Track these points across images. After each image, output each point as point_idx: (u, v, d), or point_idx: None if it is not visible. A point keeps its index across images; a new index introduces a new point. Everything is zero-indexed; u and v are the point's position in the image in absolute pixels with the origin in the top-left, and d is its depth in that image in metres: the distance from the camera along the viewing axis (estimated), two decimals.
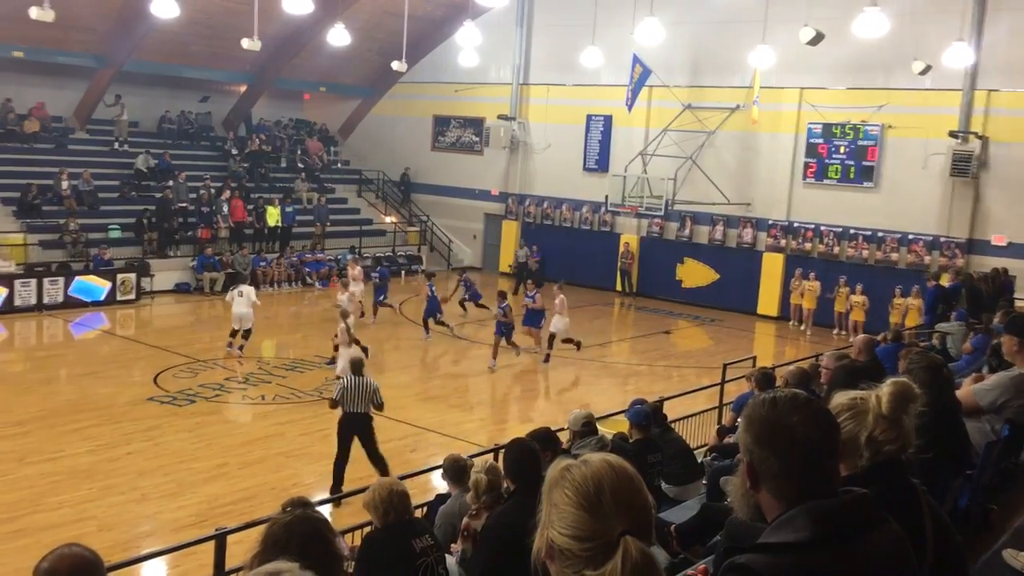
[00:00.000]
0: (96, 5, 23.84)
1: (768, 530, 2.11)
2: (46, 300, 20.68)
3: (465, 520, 6.08)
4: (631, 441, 8.23)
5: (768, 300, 24.66)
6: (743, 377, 10.97)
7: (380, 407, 11.02)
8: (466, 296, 22.25)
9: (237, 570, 6.20)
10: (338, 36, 24.36)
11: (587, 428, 8.09)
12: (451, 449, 10.43)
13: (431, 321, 19.87)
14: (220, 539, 6.83)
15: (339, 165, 33.03)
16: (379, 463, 10.86)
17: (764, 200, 24.95)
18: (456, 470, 6.94)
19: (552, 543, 1.84)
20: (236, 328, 17.33)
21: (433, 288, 19.91)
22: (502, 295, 17.97)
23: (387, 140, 32.60)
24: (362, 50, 28.10)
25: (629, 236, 27.34)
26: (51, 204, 23.60)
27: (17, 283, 20.39)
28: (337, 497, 9.98)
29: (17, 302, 20.21)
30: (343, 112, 33.75)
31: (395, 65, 26.37)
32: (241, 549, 7.37)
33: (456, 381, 17.31)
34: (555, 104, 28.73)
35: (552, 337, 18.19)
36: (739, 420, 6.91)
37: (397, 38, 25.91)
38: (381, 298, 21.31)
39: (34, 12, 19.84)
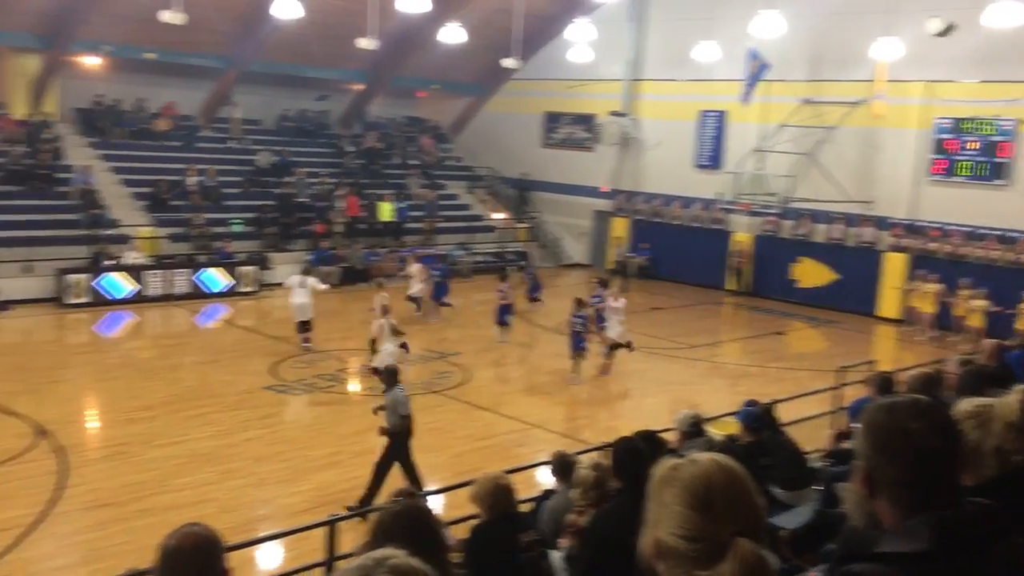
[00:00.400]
0: (223, 8, 24.82)
1: (885, 539, 2.03)
2: (174, 291, 21.71)
3: (571, 516, 6.07)
4: (741, 443, 8.07)
5: (889, 302, 23.74)
6: (860, 381, 10.61)
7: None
8: (527, 292, 22.50)
9: (348, 556, 6.36)
10: (452, 34, 24.67)
11: (695, 429, 7.97)
12: (557, 446, 10.43)
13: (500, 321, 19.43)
14: (332, 526, 7.01)
15: (450, 162, 33.46)
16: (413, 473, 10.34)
17: (886, 198, 24.03)
18: (562, 466, 6.94)
19: (661, 543, 1.82)
20: (302, 319, 17.24)
21: (504, 290, 19.28)
22: (578, 303, 16.65)
23: (498, 137, 32.83)
24: (475, 47, 28.35)
25: (742, 234, 26.78)
26: (179, 199, 24.70)
27: (147, 274, 21.47)
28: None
29: (147, 292, 21.28)
30: (455, 109, 34.17)
31: (507, 62, 26.57)
32: (352, 536, 7.57)
33: (561, 377, 17.28)
34: (667, 100, 28.37)
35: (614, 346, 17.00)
36: (855, 425, 6.68)
37: (509, 35, 26.09)
38: (443, 297, 21.35)
39: (166, 15, 20.86)
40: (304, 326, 17.25)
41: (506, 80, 31.70)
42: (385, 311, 15.11)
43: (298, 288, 17.13)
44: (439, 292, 21.45)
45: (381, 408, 10.37)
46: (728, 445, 7.89)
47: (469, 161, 33.41)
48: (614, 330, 17.16)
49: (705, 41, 24.60)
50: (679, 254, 27.62)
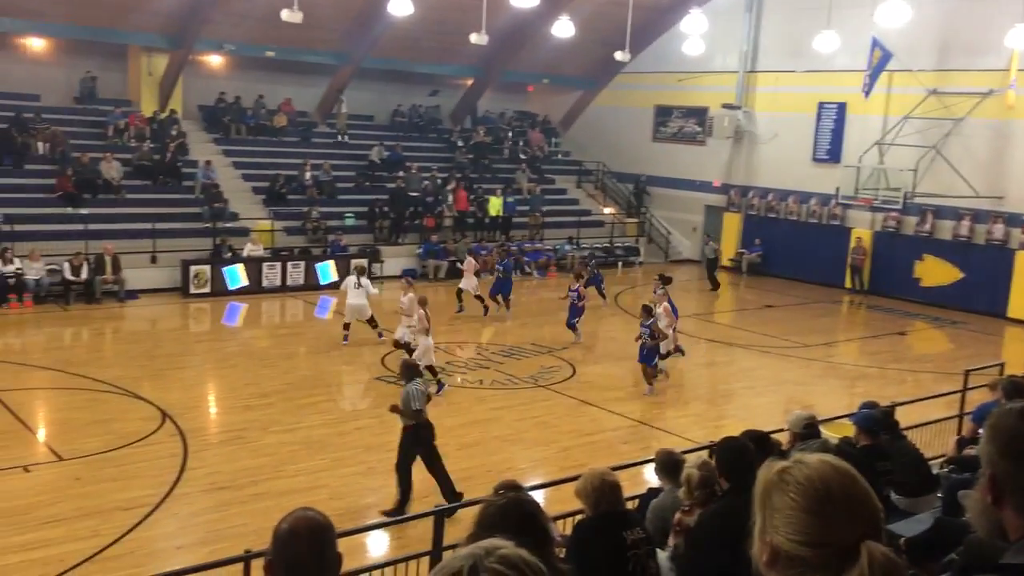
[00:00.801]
0: (339, 6, 25.41)
1: (1011, 551, 1.89)
2: (289, 282, 22.38)
3: (677, 515, 5.96)
4: (857, 446, 7.76)
5: (1021, 302, 22.51)
6: (987, 385, 10.07)
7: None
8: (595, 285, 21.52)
9: (453, 547, 6.40)
10: (563, 28, 24.59)
11: (809, 430, 7.71)
12: (664, 443, 10.29)
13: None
14: (438, 516, 7.07)
15: (559, 156, 33.41)
16: (444, 477, 9.95)
17: (1019, 193, 22.77)
18: (669, 465, 6.80)
19: (777, 549, 1.74)
20: (348, 321, 17.13)
21: (577, 291, 18.21)
22: (646, 311, 14.87)
23: (607, 131, 32.59)
24: (585, 41, 28.21)
25: (861, 230, 25.83)
26: (295, 193, 25.43)
27: (264, 266, 22.20)
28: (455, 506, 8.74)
29: (264, 283, 22.01)
30: (565, 103, 34.09)
31: (618, 55, 26.34)
32: (457, 527, 7.62)
33: (672, 375, 17.02)
34: (784, 91, 27.59)
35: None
36: (981, 431, 6.34)
37: (621, 28, 25.84)
38: (504, 293, 20.39)
39: (285, 14, 21.51)
40: (371, 322, 17.19)
41: (616, 73, 31.42)
42: (423, 302, 14.67)
43: (353, 289, 17.06)
44: (502, 288, 20.45)
45: (396, 408, 9.97)
46: (843, 448, 7.60)
47: (578, 155, 33.29)
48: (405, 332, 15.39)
49: (825, 31, 23.80)
50: (793, 251, 26.86)
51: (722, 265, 27.42)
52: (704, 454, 7.93)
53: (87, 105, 25.40)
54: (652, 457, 7.20)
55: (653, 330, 14.39)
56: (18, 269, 19.35)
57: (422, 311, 14.43)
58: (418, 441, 9.84)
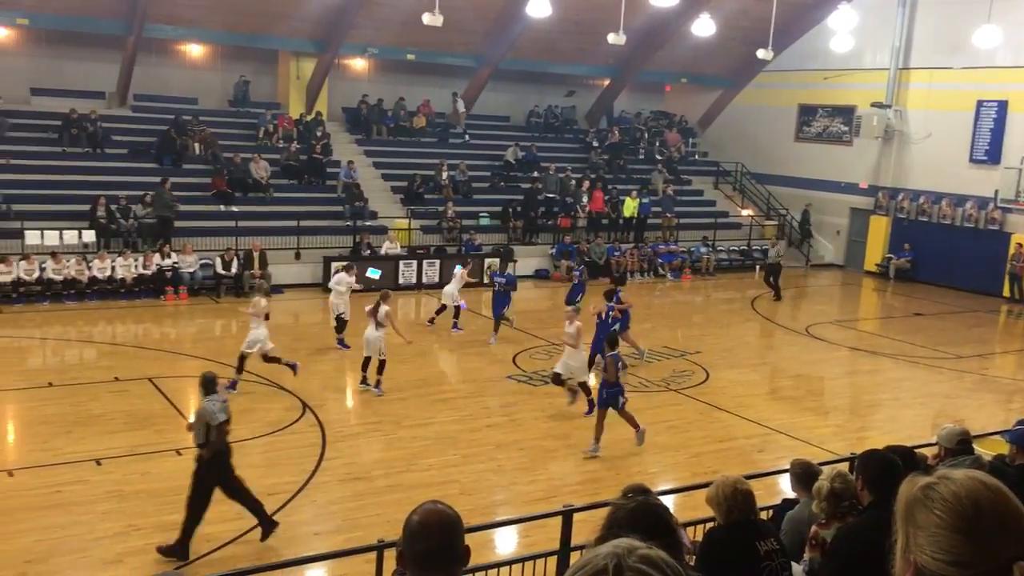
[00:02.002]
0: (478, 9, 25.78)
1: None
2: (424, 280, 22.85)
3: (814, 529, 5.73)
4: (1013, 465, 7.27)
5: None
6: None
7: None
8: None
9: (581, 548, 6.37)
10: (703, 26, 24.17)
11: (962, 446, 7.26)
12: (801, 453, 9.95)
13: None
14: (567, 516, 7.05)
15: (697, 157, 32.85)
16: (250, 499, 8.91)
17: None
18: (805, 476, 6.56)
19: (921, 568, 1.64)
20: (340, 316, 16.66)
21: (611, 310, 15.73)
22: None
23: (747, 131, 31.82)
24: (726, 39, 27.64)
25: (1022, 236, 24.28)
26: (432, 193, 25.95)
27: (401, 263, 22.75)
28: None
29: (400, 281, 22.55)
30: (703, 103, 33.48)
31: (761, 53, 25.70)
32: (585, 528, 7.57)
33: (811, 383, 16.48)
34: (938, 89, 26.23)
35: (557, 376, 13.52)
36: None
37: (764, 25, 25.21)
38: (578, 298, 17.90)
39: (426, 18, 21.99)
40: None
41: (758, 72, 30.63)
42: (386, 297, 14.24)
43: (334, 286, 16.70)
44: (575, 292, 18.43)
45: (191, 427, 8.95)
46: (997, 466, 7.13)
47: (716, 156, 32.64)
48: (570, 364, 13.39)
49: (985, 24, 22.50)
50: (946, 256, 25.51)
51: (868, 271, 26.31)
52: (842, 467, 7.62)
53: (240, 108, 26.68)
54: (788, 467, 6.97)
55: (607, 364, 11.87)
56: (175, 263, 20.52)
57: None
58: (217, 468, 8.69)
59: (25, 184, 21.42)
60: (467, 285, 18.87)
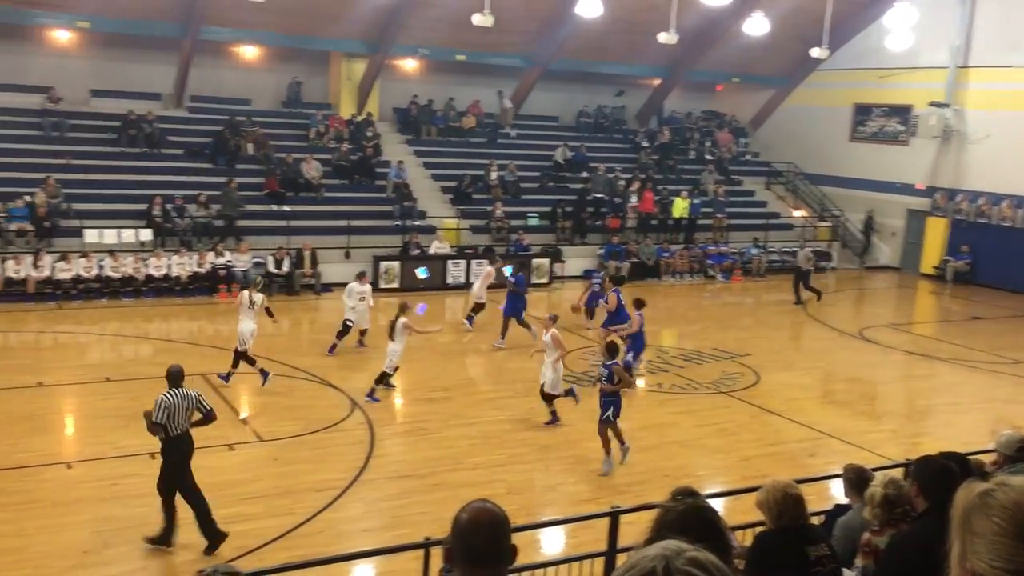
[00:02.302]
0: (528, 9, 25.79)
1: None
2: (472, 279, 22.86)
3: (866, 535, 5.64)
4: None
5: None
6: None
7: (208, 415, 8.92)
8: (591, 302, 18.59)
9: (628, 549, 6.33)
10: (756, 25, 23.90)
11: (1021, 453, 7.10)
12: (853, 458, 9.76)
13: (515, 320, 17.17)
14: (614, 517, 7.01)
15: (748, 157, 32.50)
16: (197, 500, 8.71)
17: None
18: (858, 481, 6.45)
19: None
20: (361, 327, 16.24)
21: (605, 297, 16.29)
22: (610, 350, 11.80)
23: (800, 131, 31.38)
24: (780, 38, 27.29)
25: None
26: (481, 193, 26.02)
27: (450, 263, 22.84)
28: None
29: (448, 280, 22.65)
30: (755, 103, 33.11)
31: (815, 52, 25.37)
32: (633, 529, 7.53)
33: (865, 387, 16.20)
34: (1000, 88, 25.58)
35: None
36: None
37: (818, 24, 24.87)
38: (598, 304, 17.92)
39: (476, 18, 22.07)
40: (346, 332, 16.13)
41: (812, 71, 30.22)
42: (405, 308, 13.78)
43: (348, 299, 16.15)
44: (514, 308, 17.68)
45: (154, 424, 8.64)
46: None
47: (768, 156, 32.26)
48: (547, 375, 12.74)
49: None
50: (1007, 259, 24.90)
51: (924, 274, 25.77)
52: (896, 473, 7.48)
53: (293, 109, 27.02)
54: (840, 472, 6.86)
55: (613, 372, 11.23)
56: (228, 261, 20.85)
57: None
58: (175, 458, 8.62)
59: (85, 184, 21.95)
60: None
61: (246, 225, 22.23)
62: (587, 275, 19.22)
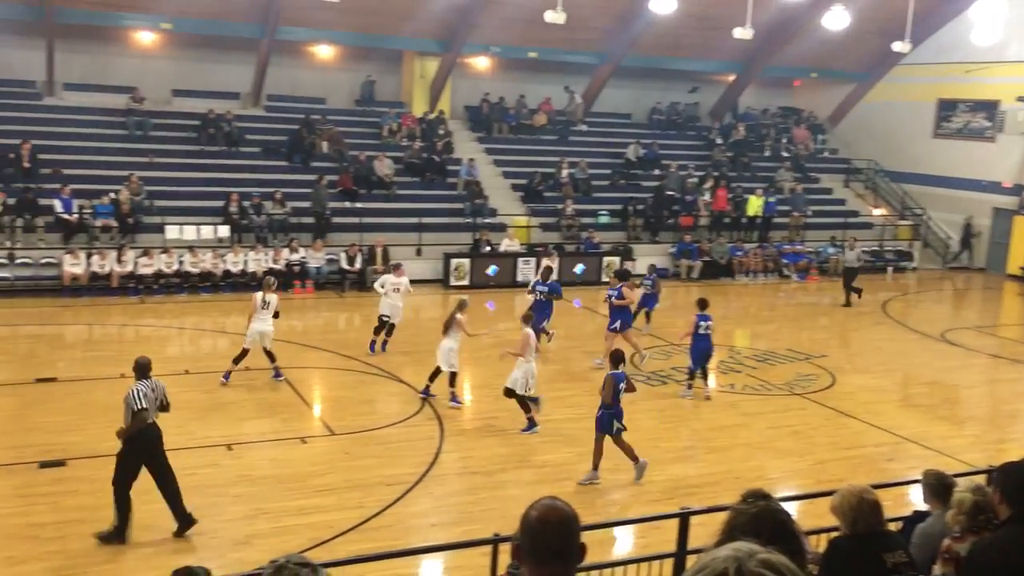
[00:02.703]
0: (600, 6, 25.65)
1: None
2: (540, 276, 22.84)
3: (947, 542, 5.46)
4: None
5: None
6: None
7: (166, 408, 9.00)
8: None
9: (699, 551, 6.25)
10: (835, 19, 23.37)
11: None
12: (934, 464, 9.47)
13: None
14: (684, 518, 6.93)
15: (826, 154, 31.79)
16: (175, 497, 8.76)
17: None
18: (940, 488, 6.25)
19: None
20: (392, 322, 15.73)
21: (620, 291, 15.56)
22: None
23: (881, 127, 30.58)
24: (860, 32, 26.63)
25: None
26: (552, 190, 25.97)
27: (520, 261, 22.85)
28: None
29: (519, 278, 22.65)
30: (834, 98, 32.35)
31: (897, 46, 24.70)
32: (703, 531, 7.42)
33: (947, 390, 15.71)
34: None
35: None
36: None
37: (900, 17, 24.21)
38: (652, 307, 18.08)
39: (549, 15, 22.01)
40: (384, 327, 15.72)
41: (893, 65, 29.42)
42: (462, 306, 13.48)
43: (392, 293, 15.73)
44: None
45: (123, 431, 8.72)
46: None
47: (847, 153, 31.52)
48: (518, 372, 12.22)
49: None
50: None
51: (1011, 275, 24.86)
52: (979, 479, 7.23)
53: (366, 107, 27.35)
54: (919, 478, 6.66)
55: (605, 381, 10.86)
56: (302, 258, 21.23)
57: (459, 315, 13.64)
58: (138, 451, 8.62)
59: (166, 181, 22.58)
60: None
61: (320, 222, 22.58)
62: (644, 278, 18.38)
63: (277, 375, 13.93)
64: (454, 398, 13.13)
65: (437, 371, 13.19)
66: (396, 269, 16.19)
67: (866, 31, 27.15)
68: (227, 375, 13.70)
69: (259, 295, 14.06)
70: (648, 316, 18.00)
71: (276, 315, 14.03)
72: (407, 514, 9.51)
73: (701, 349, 13.99)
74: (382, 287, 15.77)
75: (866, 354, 17.68)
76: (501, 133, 27.96)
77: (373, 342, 15.80)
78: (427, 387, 13.33)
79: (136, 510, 8.71)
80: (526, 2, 24.21)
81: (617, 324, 15.36)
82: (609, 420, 10.63)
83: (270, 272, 18.60)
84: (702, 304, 14.16)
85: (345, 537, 8.86)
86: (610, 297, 15.61)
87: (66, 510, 9.17)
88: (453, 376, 13.17)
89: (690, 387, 14.06)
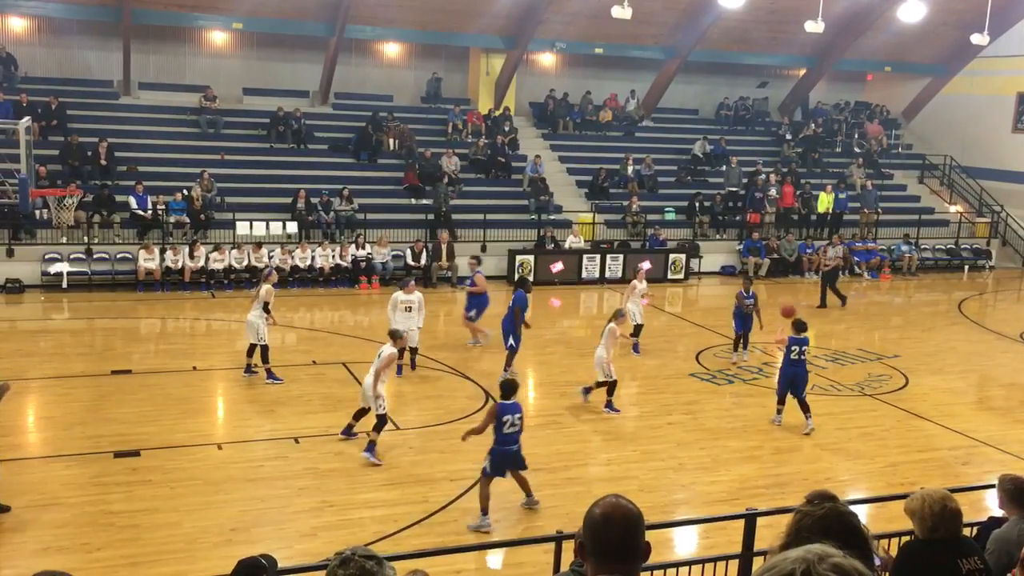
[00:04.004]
0: (667, 0, 25.40)
1: None
2: (607, 274, 22.78)
3: None
4: None
5: None
6: None
7: None
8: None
9: (764, 553, 6.14)
10: (911, 11, 22.77)
11: None
12: (1011, 468, 9.19)
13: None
14: (750, 519, 6.82)
15: (900, 149, 31.00)
16: None
17: None
18: (1017, 493, 6.05)
19: None
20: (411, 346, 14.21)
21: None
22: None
23: (958, 122, 29.70)
24: (936, 24, 25.92)
25: None
26: (617, 187, 25.81)
27: (584, 258, 22.77)
28: None
29: (583, 275, 22.58)
30: (909, 92, 31.54)
31: (975, 38, 23.96)
32: (770, 533, 7.30)
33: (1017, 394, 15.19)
34: None
35: None
36: None
37: (979, 8, 23.48)
38: (748, 328, 15.70)
39: (615, 11, 21.88)
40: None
41: (971, 58, 28.53)
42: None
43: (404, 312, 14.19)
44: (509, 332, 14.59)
45: None
46: None
47: (921, 148, 30.69)
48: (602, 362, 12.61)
49: None
50: None
51: None
52: None
53: (432, 104, 27.53)
54: (995, 483, 6.45)
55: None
56: (368, 254, 21.47)
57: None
58: None
59: (237, 178, 23.04)
60: (650, 280, 18.01)
61: (386, 219, 22.80)
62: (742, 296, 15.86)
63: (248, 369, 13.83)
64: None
65: (599, 384, 12.94)
66: (406, 286, 14.42)
67: (942, 23, 26.40)
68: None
69: (260, 286, 13.94)
70: (745, 340, 15.71)
71: (267, 310, 13.67)
72: (471, 509, 9.53)
73: (789, 376, 12.28)
74: (393, 309, 14.18)
75: (941, 355, 17.20)
76: (566, 130, 27.88)
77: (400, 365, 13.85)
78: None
79: (197, 505, 8.89)
80: None
81: (473, 312, 15.51)
82: (493, 458, 9.20)
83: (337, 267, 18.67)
84: (799, 327, 12.31)
85: (409, 531, 8.92)
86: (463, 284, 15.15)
87: (140, 499, 9.41)
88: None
89: (780, 412, 12.55)
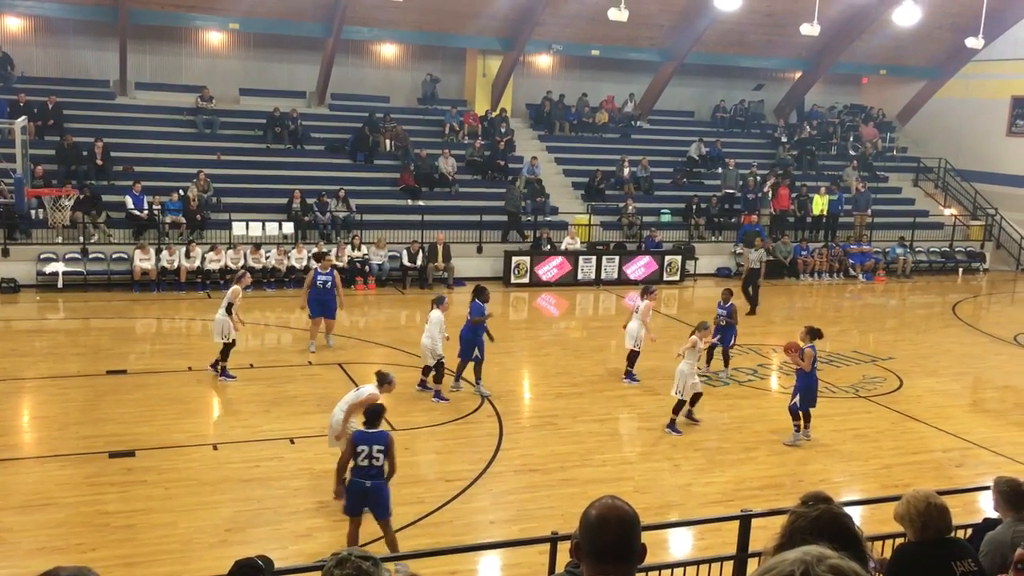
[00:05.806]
0: (663, 3, 25.47)
1: None
2: (603, 276, 22.81)
3: (1019, 552, 5.30)
4: None
5: None
6: None
7: None
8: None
9: (758, 554, 6.17)
10: (906, 14, 22.83)
11: None
12: (1005, 470, 9.21)
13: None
14: (745, 521, 6.85)
15: (895, 152, 31.08)
16: None
17: None
18: (1012, 495, 6.07)
19: None
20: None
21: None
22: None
23: (952, 125, 29.79)
24: (931, 27, 26.00)
25: None
26: (613, 189, 25.84)
27: (581, 259, 22.80)
28: None
29: (579, 276, 22.61)
30: (903, 96, 31.62)
31: (970, 42, 24.05)
32: (764, 534, 7.33)
33: (1020, 395, 15.24)
34: None
35: None
36: None
37: (974, 12, 23.56)
38: (730, 343, 15.10)
39: (612, 13, 21.92)
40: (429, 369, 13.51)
41: (966, 62, 28.63)
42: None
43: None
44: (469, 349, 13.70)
45: None
46: None
47: (916, 151, 30.78)
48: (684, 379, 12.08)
49: None
50: None
51: None
52: None
53: (429, 105, 27.54)
54: (989, 484, 6.48)
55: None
56: (365, 255, 21.46)
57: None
58: None
59: (233, 178, 23.03)
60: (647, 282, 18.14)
61: (382, 220, 22.80)
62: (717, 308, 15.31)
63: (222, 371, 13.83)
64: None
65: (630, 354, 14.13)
66: (441, 303, 13.62)
67: (938, 27, 26.49)
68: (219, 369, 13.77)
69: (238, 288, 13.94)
70: (726, 357, 14.99)
71: (228, 309, 13.65)
72: (466, 510, 9.56)
73: (814, 387, 11.77)
74: (440, 331, 13.29)
75: (935, 357, 17.25)
76: (563, 131, 27.92)
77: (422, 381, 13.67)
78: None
79: (193, 506, 8.90)
80: (589, 0, 24.14)
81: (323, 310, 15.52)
82: (349, 492, 8.00)
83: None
84: (814, 334, 11.63)
85: (405, 532, 8.93)
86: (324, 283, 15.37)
87: (135, 500, 9.41)
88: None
89: (798, 428, 11.81)
